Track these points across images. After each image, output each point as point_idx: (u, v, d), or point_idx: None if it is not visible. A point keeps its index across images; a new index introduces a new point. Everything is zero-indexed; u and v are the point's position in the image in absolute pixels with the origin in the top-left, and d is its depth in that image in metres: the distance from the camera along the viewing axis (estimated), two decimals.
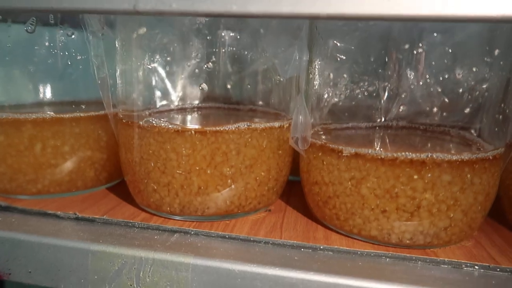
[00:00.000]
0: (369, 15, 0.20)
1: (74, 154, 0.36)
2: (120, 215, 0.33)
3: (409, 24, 0.29)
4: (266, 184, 0.33)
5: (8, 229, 0.30)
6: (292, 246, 0.29)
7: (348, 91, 0.32)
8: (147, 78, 0.34)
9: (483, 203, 0.28)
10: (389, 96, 0.31)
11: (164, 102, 0.38)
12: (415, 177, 0.27)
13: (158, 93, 0.36)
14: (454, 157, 0.27)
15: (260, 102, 0.39)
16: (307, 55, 0.31)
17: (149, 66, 0.33)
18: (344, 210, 0.30)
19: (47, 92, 0.38)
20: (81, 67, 0.37)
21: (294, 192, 0.40)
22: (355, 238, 0.30)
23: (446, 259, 0.27)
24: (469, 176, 0.27)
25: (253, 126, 0.31)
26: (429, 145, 0.32)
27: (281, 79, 0.35)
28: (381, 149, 0.28)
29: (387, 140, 0.33)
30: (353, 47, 0.30)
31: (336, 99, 0.32)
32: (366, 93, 0.32)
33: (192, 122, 0.38)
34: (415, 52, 0.28)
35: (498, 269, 0.26)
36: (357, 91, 0.32)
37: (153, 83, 0.35)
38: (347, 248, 0.29)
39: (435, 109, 0.31)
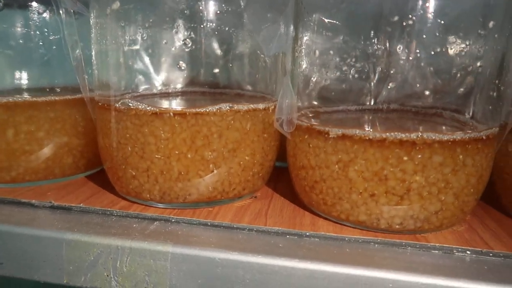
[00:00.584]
0: None
1: (49, 140, 0.34)
2: (98, 203, 0.32)
3: None
4: (250, 169, 0.32)
5: None
6: (277, 233, 0.28)
7: (336, 70, 0.31)
8: (124, 58, 0.32)
9: (476, 185, 0.27)
10: (380, 76, 0.30)
11: (145, 86, 0.36)
12: (405, 158, 0.26)
13: (137, 75, 0.34)
14: (446, 137, 0.25)
15: (248, 87, 0.37)
16: (292, 32, 0.30)
17: (126, 46, 0.31)
18: (331, 194, 0.28)
19: (21, 76, 0.36)
20: (54, 47, 0.35)
21: (282, 178, 0.39)
22: (343, 224, 0.29)
23: (437, 245, 0.26)
24: (461, 157, 0.26)
25: (235, 107, 0.30)
26: (421, 128, 0.31)
27: (267, 60, 0.34)
28: (370, 130, 0.26)
29: (378, 123, 0.31)
30: (339, 22, 0.28)
31: (322, 79, 0.31)
32: (354, 73, 0.30)
33: (173, 106, 0.36)
34: (405, 24, 0.26)
35: (490, 254, 0.25)
36: (345, 69, 0.30)
37: (131, 64, 0.33)
38: (334, 235, 0.28)
39: (427, 92, 0.30)
